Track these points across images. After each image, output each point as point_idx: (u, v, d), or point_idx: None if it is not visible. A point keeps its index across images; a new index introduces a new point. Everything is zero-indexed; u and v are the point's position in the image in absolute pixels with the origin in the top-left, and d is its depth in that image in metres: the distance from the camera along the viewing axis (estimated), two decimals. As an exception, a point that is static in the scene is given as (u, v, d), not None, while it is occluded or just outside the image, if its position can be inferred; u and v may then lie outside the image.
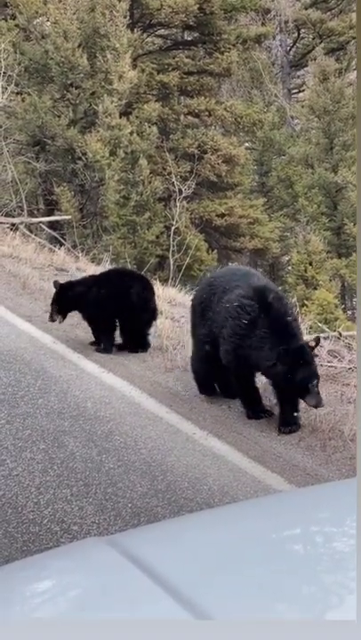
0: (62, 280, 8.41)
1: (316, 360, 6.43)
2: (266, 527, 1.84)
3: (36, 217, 17.40)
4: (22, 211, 16.21)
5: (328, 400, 6.48)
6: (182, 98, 22.64)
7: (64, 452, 5.63)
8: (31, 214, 17.23)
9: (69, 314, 7.97)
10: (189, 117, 22.00)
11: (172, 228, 17.89)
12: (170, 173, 19.16)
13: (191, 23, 21.08)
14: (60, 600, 1.66)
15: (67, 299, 7.84)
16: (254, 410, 6.38)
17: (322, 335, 8.91)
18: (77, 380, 7.05)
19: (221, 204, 21.62)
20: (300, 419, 6.24)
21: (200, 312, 6.68)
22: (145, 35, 22.14)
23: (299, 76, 33.58)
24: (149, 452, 5.71)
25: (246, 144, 26.66)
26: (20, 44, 18.50)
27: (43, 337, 8.18)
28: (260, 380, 6.53)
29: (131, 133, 18.11)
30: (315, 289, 19.91)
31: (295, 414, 6.21)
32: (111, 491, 5.10)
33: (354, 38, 28.47)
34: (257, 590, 1.54)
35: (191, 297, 7.62)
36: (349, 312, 23.77)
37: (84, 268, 11.33)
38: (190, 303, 7.29)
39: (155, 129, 19.11)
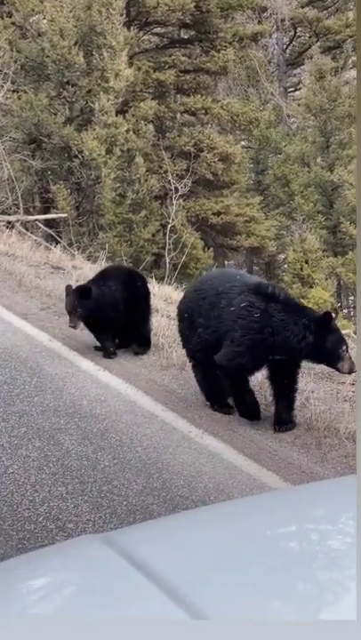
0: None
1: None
2: (261, 525, 1.84)
3: (32, 215, 17.40)
4: (18, 208, 16.19)
5: (324, 398, 6.49)
6: (179, 96, 22.63)
7: (59, 449, 5.63)
8: (27, 212, 17.23)
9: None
10: (186, 115, 21.98)
11: (169, 226, 17.89)
12: (166, 171, 19.14)
13: (188, 21, 21.06)
14: (55, 597, 1.65)
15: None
16: (251, 414, 6.35)
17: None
18: (73, 377, 7.04)
19: (218, 202, 21.61)
20: (295, 417, 6.24)
21: (188, 320, 6.56)
22: (141, 33, 22.10)
23: (295, 75, 33.56)
24: (145, 449, 5.71)
25: (243, 142, 26.66)
26: (16, 42, 18.46)
27: (39, 335, 8.18)
28: (256, 378, 6.53)
29: (127, 131, 18.08)
30: (311, 287, 19.93)
31: (291, 412, 6.22)
32: (107, 488, 5.10)
33: (350, 37, 28.49)
34: (253, 588, 1.53)
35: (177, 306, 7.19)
36: (345, 310, 23.81)
37: (80, 266, 11.32)
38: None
39: (151, 127, 19.08)
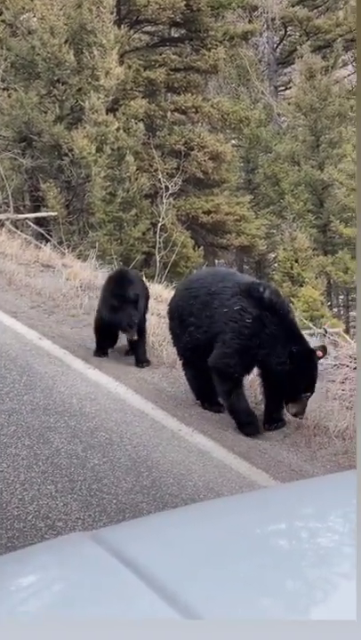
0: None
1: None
2: (252, 522, 1.84)
3: (22, 213, 17.33)
4: (8, 207, 16.14)
5: (313, 397, 6.50)
6: (169, 94, 22.64)
7: (49, 448, 5.62)
8: (17, 210, 17.16)
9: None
10: (176, 114, 21.98)
11: (159, 224, 17.87)
12: (156, 170, 19.14)
13: (178, 20, 21.07)
14: (44, 595, 1.65)
15: None
16: (247, 422, 6.25)
17: (307, 332, 8.94)
18: (63, 376, 7.03)
19: (208, 201, 21.62)
20: (285, 415, 6.25)
21: (179, 319, 6.56)
22: (132, 31, 22.09)
23: (285, 74, 33.60)
24: (135, 448, 5.70)
25: (233, 141, 26.68)
26: (6, 40, 18.39)
27: (28, 333, 8.15)
28: (247, 377, 6.52)
29: (117, 130, 18.06)
30: (301, 286, 19.99)
31: (281, 410, 6.22)
32: (96, 487, 5.09)
33: (341, 36, 28.55)
34: (243, 585, 1.53)
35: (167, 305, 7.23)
36: (335, 309, 23.88)
37: (70, 264, 11.30)
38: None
39: (141, 125, 19.07)
